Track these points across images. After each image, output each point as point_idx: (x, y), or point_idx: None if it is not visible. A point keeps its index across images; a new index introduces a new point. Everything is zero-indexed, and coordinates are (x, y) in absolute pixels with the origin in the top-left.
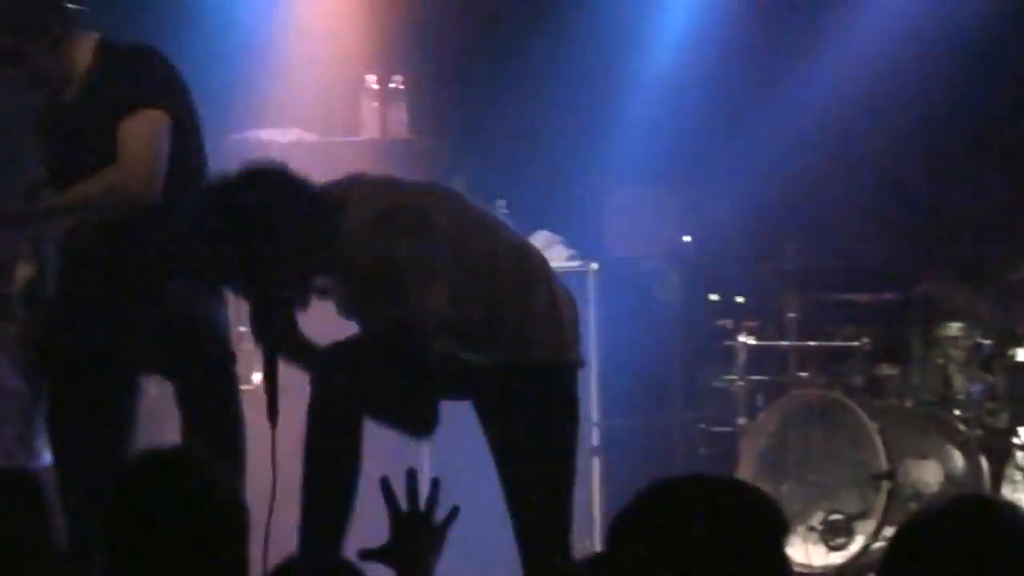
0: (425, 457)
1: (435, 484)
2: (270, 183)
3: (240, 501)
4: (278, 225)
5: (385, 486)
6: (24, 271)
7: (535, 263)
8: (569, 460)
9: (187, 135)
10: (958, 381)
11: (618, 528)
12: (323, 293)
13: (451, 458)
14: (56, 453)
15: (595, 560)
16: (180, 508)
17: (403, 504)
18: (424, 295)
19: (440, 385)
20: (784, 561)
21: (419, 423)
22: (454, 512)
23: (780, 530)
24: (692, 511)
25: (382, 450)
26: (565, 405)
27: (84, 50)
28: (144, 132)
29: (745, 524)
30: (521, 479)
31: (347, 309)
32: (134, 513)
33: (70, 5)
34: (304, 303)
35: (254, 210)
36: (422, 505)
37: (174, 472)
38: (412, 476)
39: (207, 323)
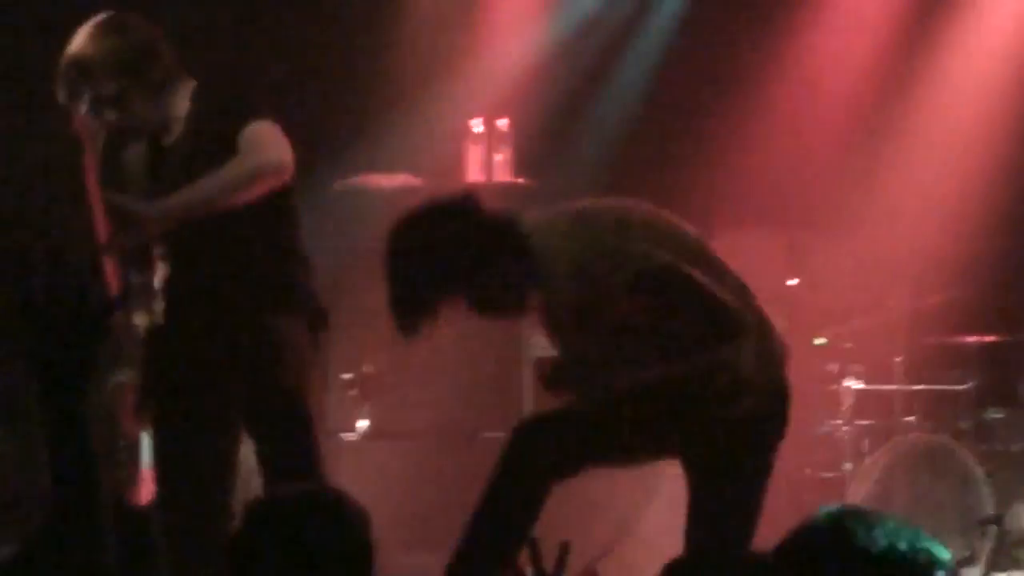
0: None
1: (563, 548)
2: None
3: (369, 544)
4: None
5: None
6: (143, 319)
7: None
8: (757, 509)
9: None
10: None
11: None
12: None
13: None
14: (159, 489)
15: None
16: (309, 549)
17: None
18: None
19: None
20: None
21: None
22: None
23: None
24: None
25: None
26: (760, 454)
27: (183, 96)
28: (268, 129)
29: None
30: (708, 526)
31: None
32: (261, 552)
33: (169, 53)
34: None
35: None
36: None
37: (304, 513)
38: (534, 545)
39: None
